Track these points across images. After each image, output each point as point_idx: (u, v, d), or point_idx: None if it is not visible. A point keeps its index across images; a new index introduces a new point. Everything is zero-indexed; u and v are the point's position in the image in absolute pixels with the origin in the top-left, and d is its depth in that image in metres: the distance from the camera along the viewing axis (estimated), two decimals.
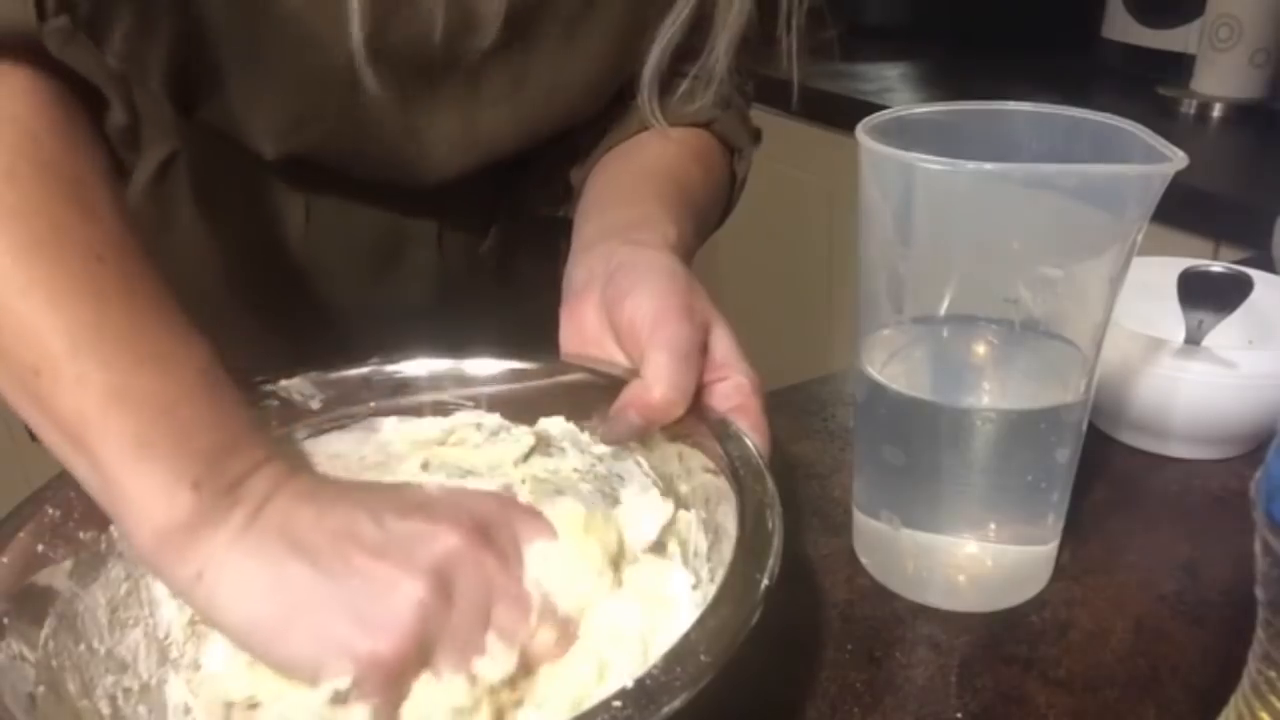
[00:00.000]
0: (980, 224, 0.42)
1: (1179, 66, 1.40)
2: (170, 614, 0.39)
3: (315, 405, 0.45)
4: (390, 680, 0.34)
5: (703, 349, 0.44)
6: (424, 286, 0.66)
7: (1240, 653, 0.32)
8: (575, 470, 0.45)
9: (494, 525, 0.38)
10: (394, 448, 0.46)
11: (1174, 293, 0.60)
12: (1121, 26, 1.49)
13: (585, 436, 0.44)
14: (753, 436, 0.41)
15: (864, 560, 0.50)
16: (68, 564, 0.37)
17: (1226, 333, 0.59)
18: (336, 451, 0.45)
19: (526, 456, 0.45)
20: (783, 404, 0.65)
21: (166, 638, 0.39)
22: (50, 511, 0.37)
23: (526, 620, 0.37)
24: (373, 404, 0.45)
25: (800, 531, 0.52)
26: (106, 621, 0.38)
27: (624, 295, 0.45)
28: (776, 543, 0.35)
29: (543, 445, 0.45)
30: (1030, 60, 1.58)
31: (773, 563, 0.34)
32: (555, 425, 0.44)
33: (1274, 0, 1.28)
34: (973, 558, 0.47)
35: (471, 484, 0.45)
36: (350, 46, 0.49)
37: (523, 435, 0.45)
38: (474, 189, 0.62)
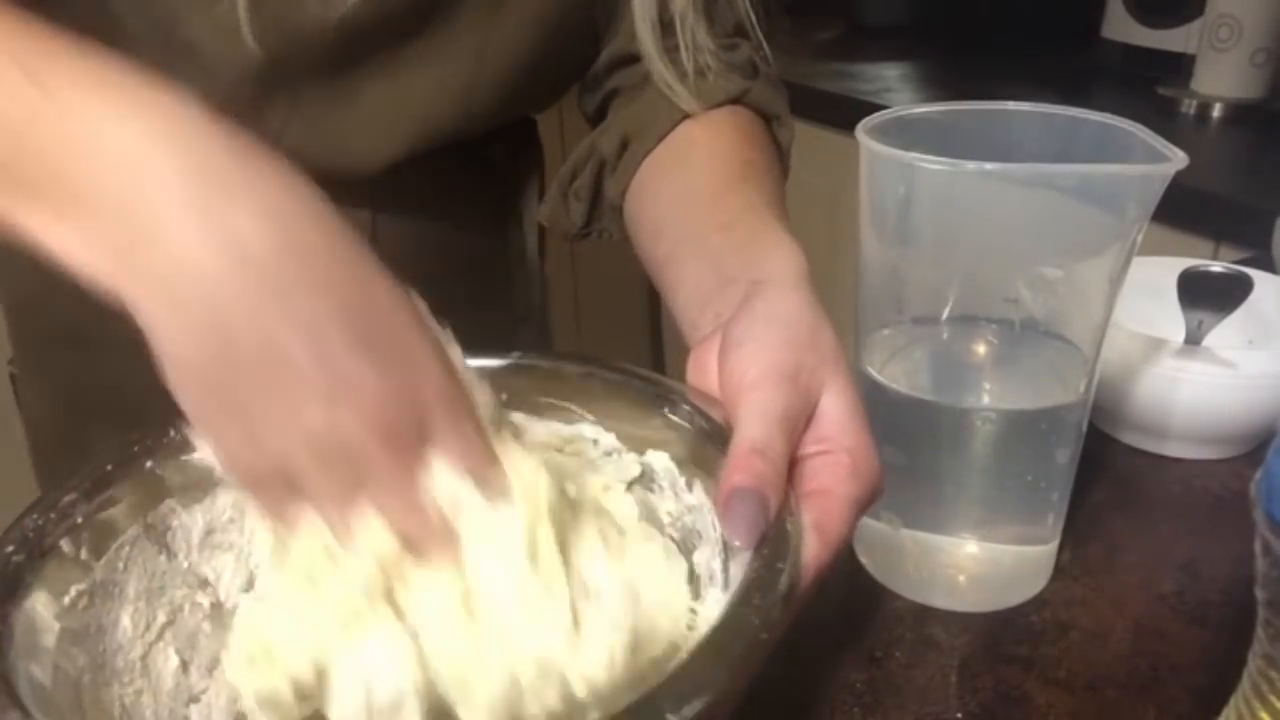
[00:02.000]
0: (980, 224, 0.42)
1: (1179, 66, 1.40)
2: (265, 547, 0.39)
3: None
4: (266, 499, 0.33)
5: (802, 415, 0.37)
6: None
7: (1240, 653, 0.32)
8: (668, 514, 0.42)
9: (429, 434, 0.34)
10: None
11: (1174, 293, 0.60)
12: (1121, 26, 1.49)
13: (682, 480, 0.41)
14: (809, 537, 0.35)
15: (864, 560, 0.50)
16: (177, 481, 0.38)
17: (1226, 333, 0.59)
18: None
19: (630, 485, 0.42)
20: None
21: (257, 566, 0.40)
22: (171, 434, 0.38)
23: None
24: (504, 395, 0.42)
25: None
26: (198, 541, 0.39)
27: (729, 349, 0.40)
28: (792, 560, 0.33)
29: (645, 478, 0.42)
30: (1030, 60, 1.58)
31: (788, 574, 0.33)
32: (659, 461, 0.41)
33: (1274, 0, 1.28)
34: (973, 558, 0.47)
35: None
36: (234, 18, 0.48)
37: (631, 463, 0.42)
38: (412, 181, 0.60)
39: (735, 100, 0.59)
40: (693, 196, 0.54)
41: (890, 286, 0.45)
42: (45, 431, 0.69)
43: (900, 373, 0.45)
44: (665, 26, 0.56)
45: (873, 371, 0.46)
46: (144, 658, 0.37)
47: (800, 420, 0.37)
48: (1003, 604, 0.47)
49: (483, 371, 0.42)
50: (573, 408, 0.43)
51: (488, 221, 0.68)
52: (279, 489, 0.33)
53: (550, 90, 0.63)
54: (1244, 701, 0.32)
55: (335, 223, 0.34)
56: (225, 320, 0.31)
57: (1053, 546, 0.49)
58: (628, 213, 0.59)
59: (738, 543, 0.34)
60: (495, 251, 0.71)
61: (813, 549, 0.34)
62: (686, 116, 0.58)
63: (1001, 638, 0.46)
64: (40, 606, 0.34)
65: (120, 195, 0.32)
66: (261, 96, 0.54)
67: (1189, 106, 1.36)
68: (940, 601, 0.47)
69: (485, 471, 0.35)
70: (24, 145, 0.33)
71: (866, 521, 0.49)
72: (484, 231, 0.69)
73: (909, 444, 0.45)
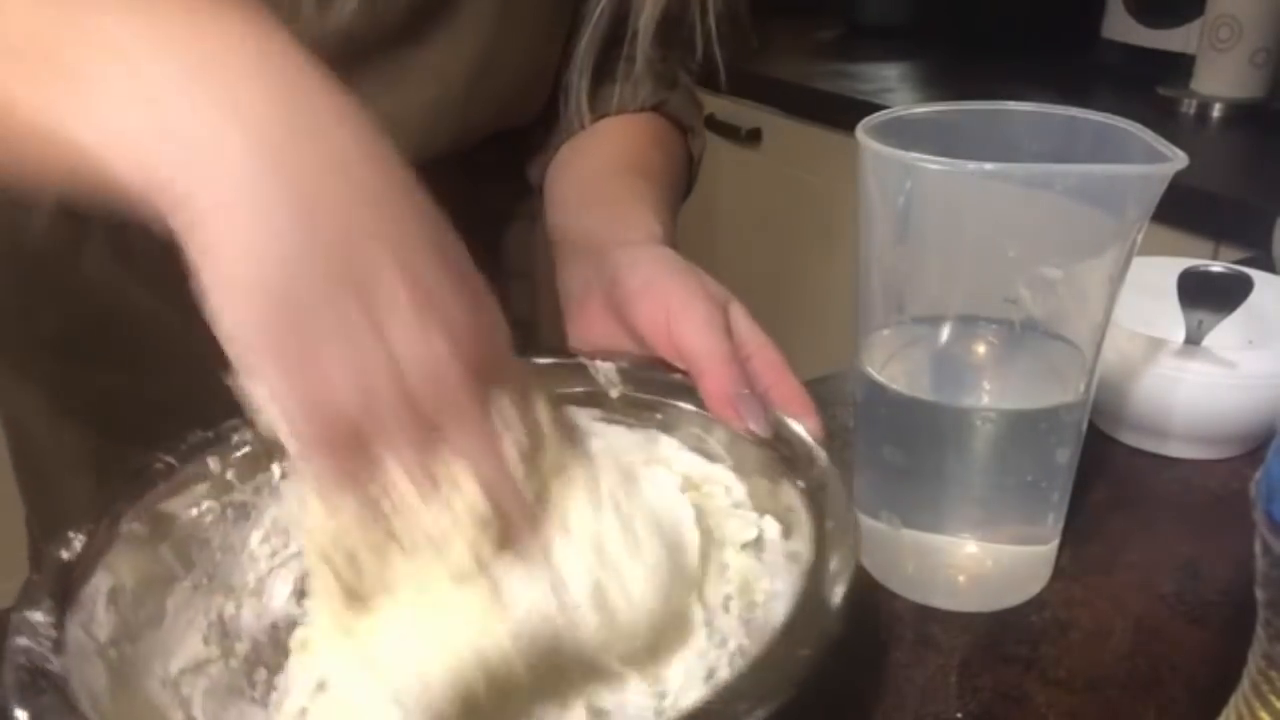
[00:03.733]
0: (980, 224, 0.42)
1: (1179, 66, 1.40)
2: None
3: (614, 394, 0.44)
4: (330, 456, 0.30)
5: (728, 328, 0.44)
6: None
7: (1240, 653, 0.32)
8: (763, 591, 0.41)
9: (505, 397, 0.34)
10: (659, 471, 0.43)
11: (1174, 293, 0.60)
12: (1121, 26, 1.49)
13: (782, 558, 0.40)
14: (805, 423, 0.41)
15: (864, 560, 0.50)
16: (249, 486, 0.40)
17: (1226, 333, 0.59)
18: (610, 446, 0.43)
19: (744, 547, 0.42)
20: None
21: None
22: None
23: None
24: (660, 416, 0.44)
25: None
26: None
27: (637, 295, 0.45)
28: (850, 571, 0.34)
29: (757, 544, 0.42)
30: (1030, 60, 1.58)
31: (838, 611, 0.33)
32: (771, 530, 0.41)
33: (1274, 0, 1.28)
34: (973, 558, 0.47)
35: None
36: None
37: (751, 524, 0.42)
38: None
39: (653, 109, 0.64)
40: (587, 179, 0.59)
41: (890, 286, 0.45)
42: (23, 430, 0.69)
43: (900, 373, 0.45)
44: (613, 40, 0.59)
45: (873, 371, 0.46)
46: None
47: (729, 332, 0.43)
48: (1003, 604, 0.47)
49: (641, 383, 0.44)
50: (716, 446, 0.43)
51: (481, 229, 0.69)
52: (347, 444, 0.30)
53: (542, 99, 0.64)
54: (1244, 701, 0.32)
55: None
56: (312, 226, 0.28)
57: (1053, 546, 0.49)
58: (544, 193, 0.63)
59: (759, 430, 0.40)
60: (486, 263, 0.72)
61: (809, 426, 0.41)
62: (605, 114, 0.62)
63: (1001, 638, 0.46)
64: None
65: (184, 104, 0.29)
66: None
67: (1189, 106, 1.36)
68: (940, 601, 0.47)
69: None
70: (82, 36, 0.29)
71: (866, 521, 0.49)
72: (477, 239, 0.70)
73: (909, 444, 0.45)
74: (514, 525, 0.33)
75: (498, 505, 0.32)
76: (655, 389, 0.44)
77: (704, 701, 0.30)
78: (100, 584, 0.35)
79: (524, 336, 0.78)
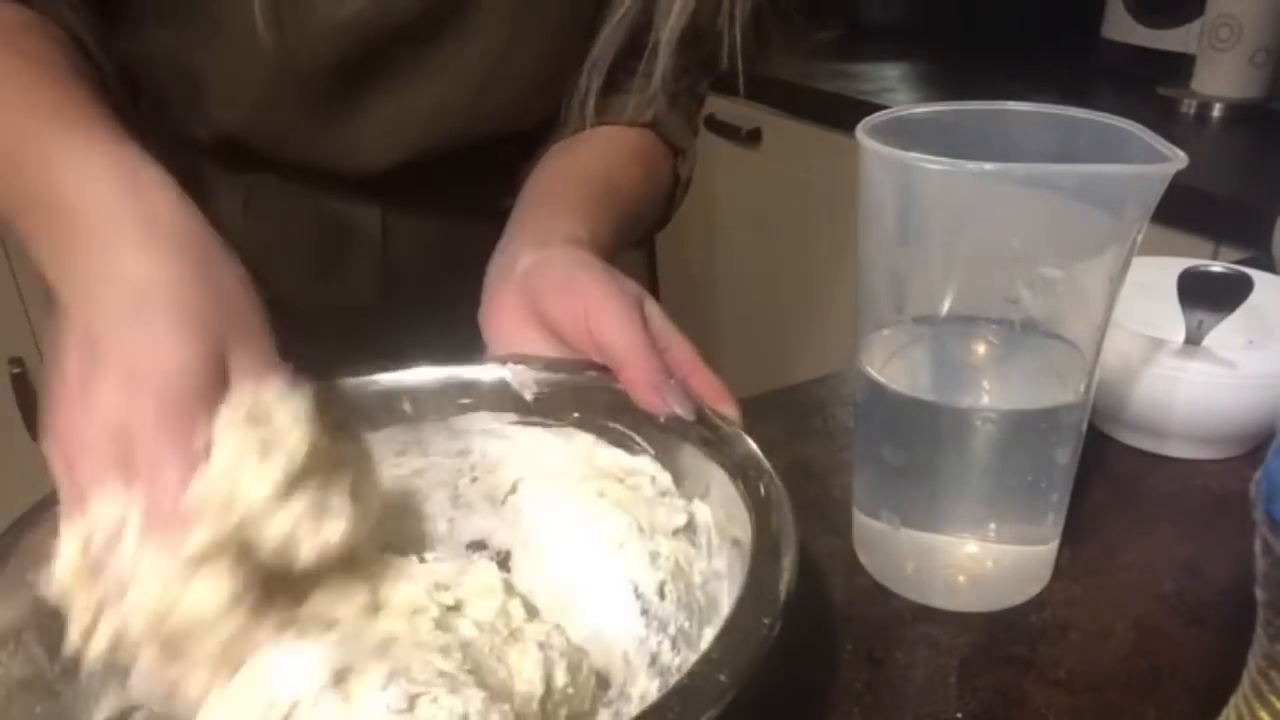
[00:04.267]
0: (980, 224, 0.42)
1: (1179, 66, 1.40)
2: None
3: (528, 397, 0.45)
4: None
5: (645, 323, 0.44)
6: (368, 281, 0.66)
7: (1240, 653, 0.32)
8: (700, 573, 0.42)
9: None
10: (580, 467, 0.45)
11: (1174, 293, 0.60)
12: (1121, 26, 1.49)
13: (717, 541, 0.41)
14: (725, 412, 0.42)
15: (864, 560, 0.50)
16: None
17: (1226, 333, 0.59)
18: (530, 446, 0.45)
19: (675, 533, 0.43)
20: (783, 404, 0.65)
21: None
22: None
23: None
24: (577, 414, 0.44)
25: (800, 532, 0.52)
26: None
27: (554, 291, 0.46)
28: (792, 554, 0.35)
29: (689, 529, 0.43)
30: (1030, 60, 1.58)
31: (789, 576, 0.33)
32: (703, 515, 0.42)
33: (1274, 0, 1.28)
34: (973, 558, 0.47)
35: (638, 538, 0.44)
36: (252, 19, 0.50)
37: (680, 510, 0.43)
38: (422, 181, 0.61)
39: (647, 125, 0.64)
40: (547, 180, 0.60)
41: (890, 286, 0.45)
42: None
43: (900, 373, 0.45)
44: (634, 50, 0.59)
45: (873, 371, 0.46)
46: None
47: (646, 327, 0.44)
48: (1003, 604, 0.47)
49: (557, 384, 0.44)
50: (637, 439, 0.43)
51: (495, 219, 0.69)
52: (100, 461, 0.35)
53: (557, 102, 0.64)
54: (1244, 701, 0.32)
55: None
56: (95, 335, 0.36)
57: (1053, 546, 0.49)
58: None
59: (684, 414, 0.41)
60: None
61: (730, 413, 0.42)
62: (595, 124, 0.62)
63: (1001, 638, 0.46)
64: None
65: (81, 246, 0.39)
66: (273, 91, 0.55)
67: (1189, 106, 1.36)
68: (940, 601, 0.47)
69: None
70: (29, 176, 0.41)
71: (866, 521, 0.49)
72: (491, 229, 0.70)
73: (909, 444, 0.45)
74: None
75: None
76: (569, 388, 0.44)
77: (686, 675, 0.30)
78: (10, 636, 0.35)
79: None
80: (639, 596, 0.43)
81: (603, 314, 0.43)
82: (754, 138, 1.58)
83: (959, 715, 0.41)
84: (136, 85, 0.56)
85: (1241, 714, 0.32)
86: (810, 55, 1.75)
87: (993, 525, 0.47)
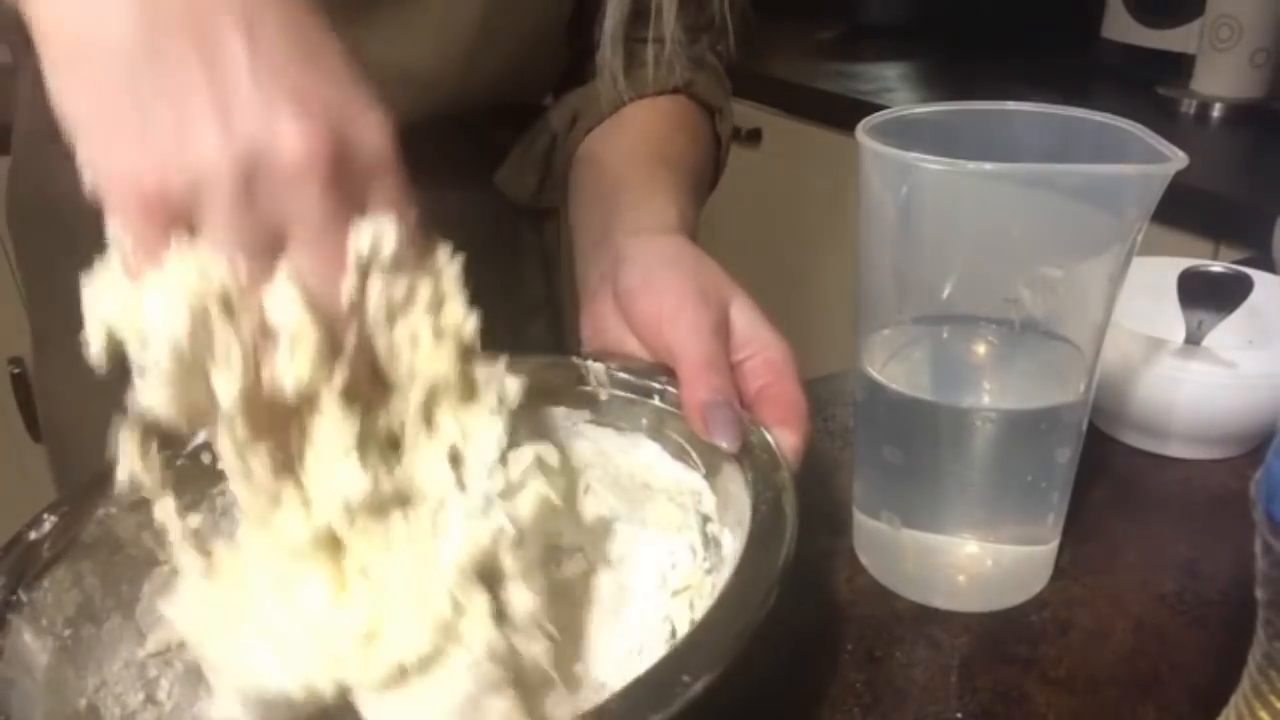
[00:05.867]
0: (980, 224, 0.42)
1: (1179, 66, 1.40)
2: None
3: (603, 397, 0.43)
4: (141, 226, 0.27)
5: (725, 329, 0.42)
6: None
7: (1240, 653, 0.32)
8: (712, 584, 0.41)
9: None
10: (641, 479, 0.43)
11: (1174, 293, 0.60)
12: (1121, 26, 1.49)
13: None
14: (785, 436, 0.39)
15: (864, 560, 0.50)
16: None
17: (1226, 333, 0.59)
18: (602, 450, 0.44)
19: (709, 572, 0.41)
20: None
21: None
22: None
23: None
24: (645, 421, 0.43)
25: (800, 531, 0.52)
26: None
27: (634, 292, 0.43)
28: (789, 539, 0.34)
29: (719, 566, 0.41)
30: (1030, 60, 1.58)
31: (786, 554, 0.33)
32: (729, 541, 0.40)
33: (1274, 0, 1.28)
34: (973, 558, 0.47)
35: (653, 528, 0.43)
36: None
37: (714, 541, 0.41)
38: (423, 171, 0.61)
39: (679, 90, 0.62)
40: (605, 166, 0.58)
41: (890, 286, 0.45)
42: (62, 410, 0.69)
43: (900, 373, 0.45)
44: (637, 17, 0.58)
45: (873, 371, 0.46)
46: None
47: (725, 332, 0.42)
48: (1003, 604, 0.47)
49: (629, 387, 0.43)
50: (693, 455, 0.42)
51: (499, 209, 0.69)
52: (160, 220, 0.27)
53: (548, 75, 0.63)
54: (1244, 701, 0.32)
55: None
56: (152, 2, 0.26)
57: (1053, 546, 0.49)
58: (569, 182, 0.62)
59: (726, 446, 0.38)
60: (506, 241, 0.72)
61: (788, 441, 0.39)
62: (638, 96, 0.61)
63: (1001, 638, 0.46)
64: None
65: None
66: None
67: (1189, 106, 1.36)
68: (940, 601, 0.47)
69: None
70: None
71: (866, 521, 0.49)
72: (495, 220, 0.70)
73: (909, 444, 0.45)
74: (350, 375, 0.30)
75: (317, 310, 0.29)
76: (644, 393, 0.43)
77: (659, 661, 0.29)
78: (68, 565, 0.36)
79: (546, 319, 0.79)
80: (673, 635, 0.41)
81: (674, 322, 0.41)
82: (754, 138, 1.58)
83: (959, 715, 0.41)
84: None
85: (1241, 714, 0.32)
86: (810, 55, 1.75)
87: (993, 525, 0.47)
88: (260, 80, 0.27)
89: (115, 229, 0.27)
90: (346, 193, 0.29)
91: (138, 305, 0.28)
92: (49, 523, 0.36)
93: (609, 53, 0.59)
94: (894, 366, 0.46)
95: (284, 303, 0.28)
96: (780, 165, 1.59)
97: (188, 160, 0.26)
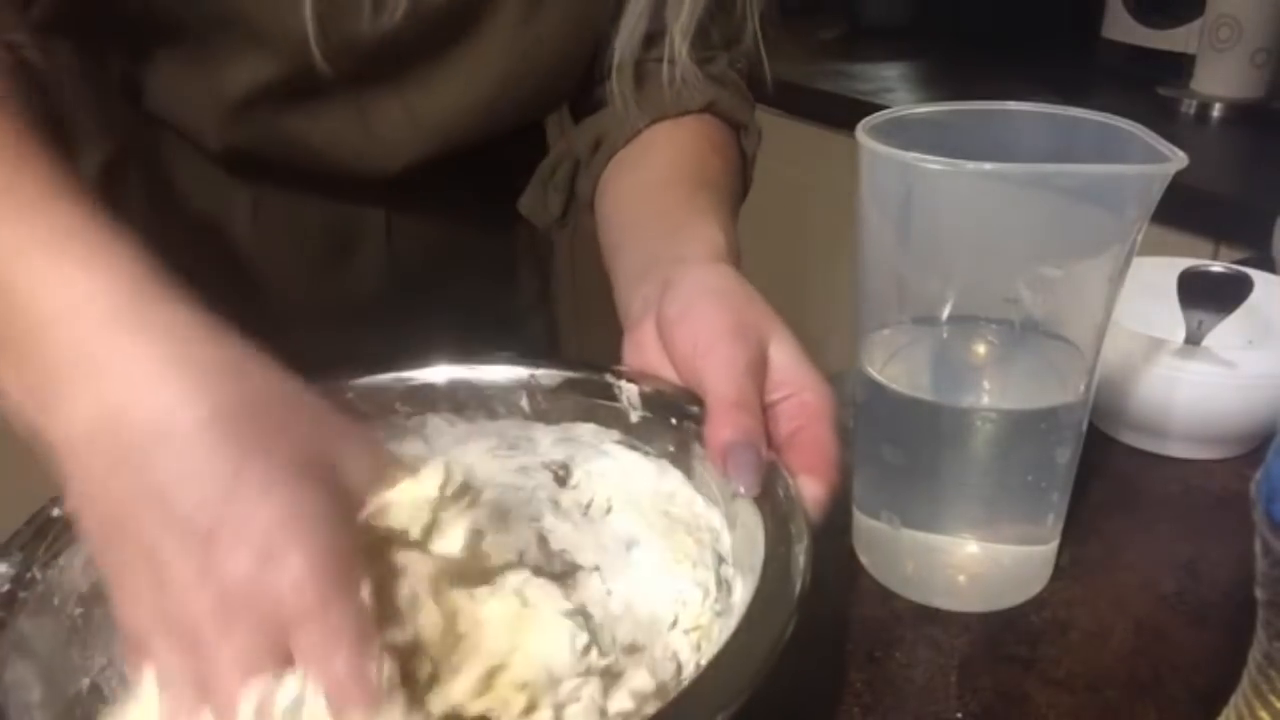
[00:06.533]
0: (980, 224, 0.42)
1: (1179, 66, 1.40)
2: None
3: (633, 419, 0.43)
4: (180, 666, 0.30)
5: (761, 367, 0.41)
6: (375, 280, 0.65)
7: (1240, 653, 0.32)
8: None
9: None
10: (662, 506, 0.43)
11: (1174, 293, 0.60)
12: (1121, 26, 1.49)
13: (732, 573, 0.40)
14: (804, 483, 0.38)
15: (864, 560, 0.50)
16: None
17: (1226, 333, 0.59)
18: (626, 472, 0.44)
19: (719, 614, 0.41)
20: None
21: None
22: None
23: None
24: (672, 449, 0.42)
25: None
26: None
27: (673, 322, 0.43)
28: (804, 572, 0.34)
29: (728, 609, 0.40)
30: (1030, 60, 1.58)
31: (788, 617, 0.33)
32: (740, 586, 0.39)
33: (1274, 0, 1.28)
34: (973, 558, 0.47)
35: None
36: (298, 28, 0.48)
37: (726, 584, 0.40)
38: (426, 180, 0.61)
39: (703, 109, 0.62)
40: (641, 191, 0.57)
41: (890, 286, 0.45)
42: None
43: (900, 373, 0.45)
44: (650, 39, 0.58)
45: (873, 371, 0.46)
46: None
47: (760, 371, 0.40)
48: (1003, 604, 0.47)
49: (660, 410, 0.42)
50: (714, 490, 0.41)
51: (497, 215, 0.69)
52: (177, 649, 0.30)
53: (567, 95, 0.63)
54: (1244, 701, 0.32)
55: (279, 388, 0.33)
56: (140, 461, 0.30)
57: (1053, 546, 0.49)
58: (595, 207, 0.61)
59: (744, 490, 0.37)
60: (503, 244, 0.72)
61: (811, 492, 0.38)
62: (656, 120, 0.60)
63: (1001, 638, 0.46)
64: None
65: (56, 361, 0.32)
66: (294, 98, 0.54)
67: (1189, 106, 1.36)
68: (940, 601, 0.47)
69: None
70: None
71: (866, 521, 0.49)
72: (493, 225, 0.70)
73: (909, 444, 0.45)
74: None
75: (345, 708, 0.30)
76: (674, 419, 0.42)
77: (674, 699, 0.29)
78: (85, 544, 0.35)
79: (541, 319, 0.79)
80: (679, 673, 0.40)
81: (707, 357, 0.40)
82: (752, 108, 1.58)
83: (959, 715, 0.41)
84: (136, 94, 0.55)
85: (1241, 714, 0.32)
86: (810, 55, 1.75)
87: (993, 525, 0.47)
88: (188, 565, 0.30)
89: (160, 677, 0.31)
90: (328, 589, 0.30)
91: None
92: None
93: (620, 77, 0.58)
94: (894, 366, 0.46)
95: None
96: (780, 165, 1.59)
97: (183, 610, 0.30)
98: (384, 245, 0.64)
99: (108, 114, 0.55)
